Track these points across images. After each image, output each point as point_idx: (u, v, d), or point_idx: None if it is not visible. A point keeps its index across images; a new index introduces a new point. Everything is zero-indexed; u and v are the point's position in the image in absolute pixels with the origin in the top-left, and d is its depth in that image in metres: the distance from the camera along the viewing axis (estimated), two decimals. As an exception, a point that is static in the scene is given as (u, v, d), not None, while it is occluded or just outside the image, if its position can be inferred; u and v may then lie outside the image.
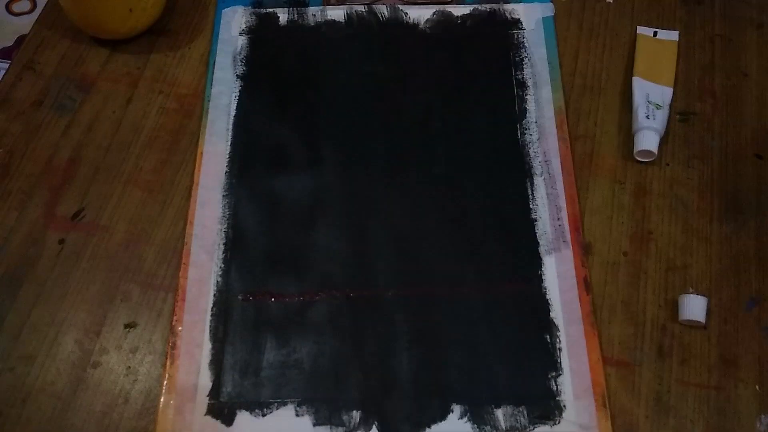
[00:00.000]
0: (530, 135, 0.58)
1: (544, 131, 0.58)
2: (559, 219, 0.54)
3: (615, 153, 0.58)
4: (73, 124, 0.60)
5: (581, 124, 0.59)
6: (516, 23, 0.65)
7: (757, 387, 0.48)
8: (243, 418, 0.47)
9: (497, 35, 0.64)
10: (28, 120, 0.60)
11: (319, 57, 0.63)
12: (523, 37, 0.64)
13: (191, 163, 0.58)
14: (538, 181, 0.56)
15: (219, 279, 0.52)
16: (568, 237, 0.54)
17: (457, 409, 0.47)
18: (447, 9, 0.66)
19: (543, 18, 0.65)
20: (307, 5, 0.66)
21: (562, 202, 0.55)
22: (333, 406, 0.47)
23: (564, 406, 0.47)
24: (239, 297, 0.51)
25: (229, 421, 0.47)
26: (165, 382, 0.48)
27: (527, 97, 0.60)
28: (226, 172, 0.57)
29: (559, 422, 0.47)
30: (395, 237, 0.54)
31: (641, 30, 0.64)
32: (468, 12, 0.65)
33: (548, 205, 0.55)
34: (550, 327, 0.50)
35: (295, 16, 0.66)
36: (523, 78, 0.61)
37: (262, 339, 0.50)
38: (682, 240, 0.54)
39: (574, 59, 0.63)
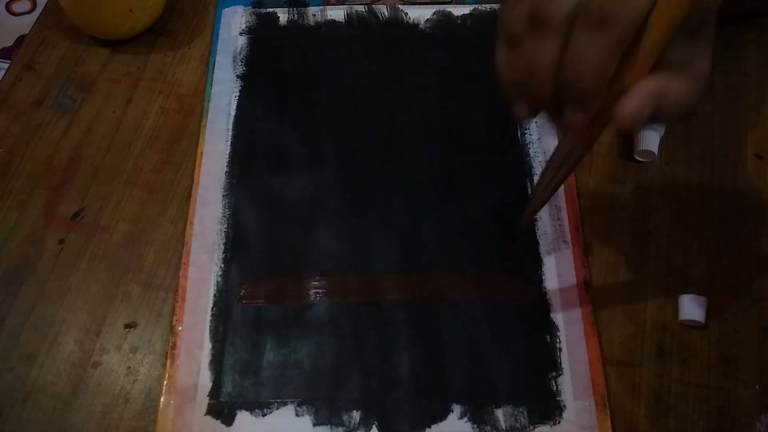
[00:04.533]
0: (530, 135, 0.58)
1: (544, 131, 0.58)
2: (559, 219, 0.54)
3: (615, 153, 0.58)
4: (73, 124, 0.60)
5: (581, 124, 0.59)
6: (516, 23, 0.64)
7: (757, 387, 0.48)
8: (243, 418, 0.47)
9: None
10: (28, 120, 0.60)
11: (319, 57, 0.63)
12: (523, 37, 0.64)
13: (191, 163, 0.58)
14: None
15: (219, 279, 0.52)
16: (568, 237, 0.54)
17: (457, 409, 0.47)
18: (447, 9, 0.66)
19: (543, 18, 0.65)
20: (307, 5, 0.66)
21: (562, 202, 0.55)
22: (333, 406, 0.47)
23: (564, 406, 0.47)
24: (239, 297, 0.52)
25: (229, 421, 0.47)
26: (165, 382, 0.48)
27: (527, 97, 0.60)
28: (226, 172, 0.57)
29: (559, 422, 0.47)
30: (395, 237, 0.54)
31: (641, 30, 0.64)
32: (468, 12, 0.65)
33: (548, 205, 0.55)
34: (550, 327, 0.50)
35: (295, 16, 0.66)
36: (523, 78, 0.61)
37: (263, 339, 0.50)
38: (682, 240, 0.54)
39: (574, 59, 0.63)
